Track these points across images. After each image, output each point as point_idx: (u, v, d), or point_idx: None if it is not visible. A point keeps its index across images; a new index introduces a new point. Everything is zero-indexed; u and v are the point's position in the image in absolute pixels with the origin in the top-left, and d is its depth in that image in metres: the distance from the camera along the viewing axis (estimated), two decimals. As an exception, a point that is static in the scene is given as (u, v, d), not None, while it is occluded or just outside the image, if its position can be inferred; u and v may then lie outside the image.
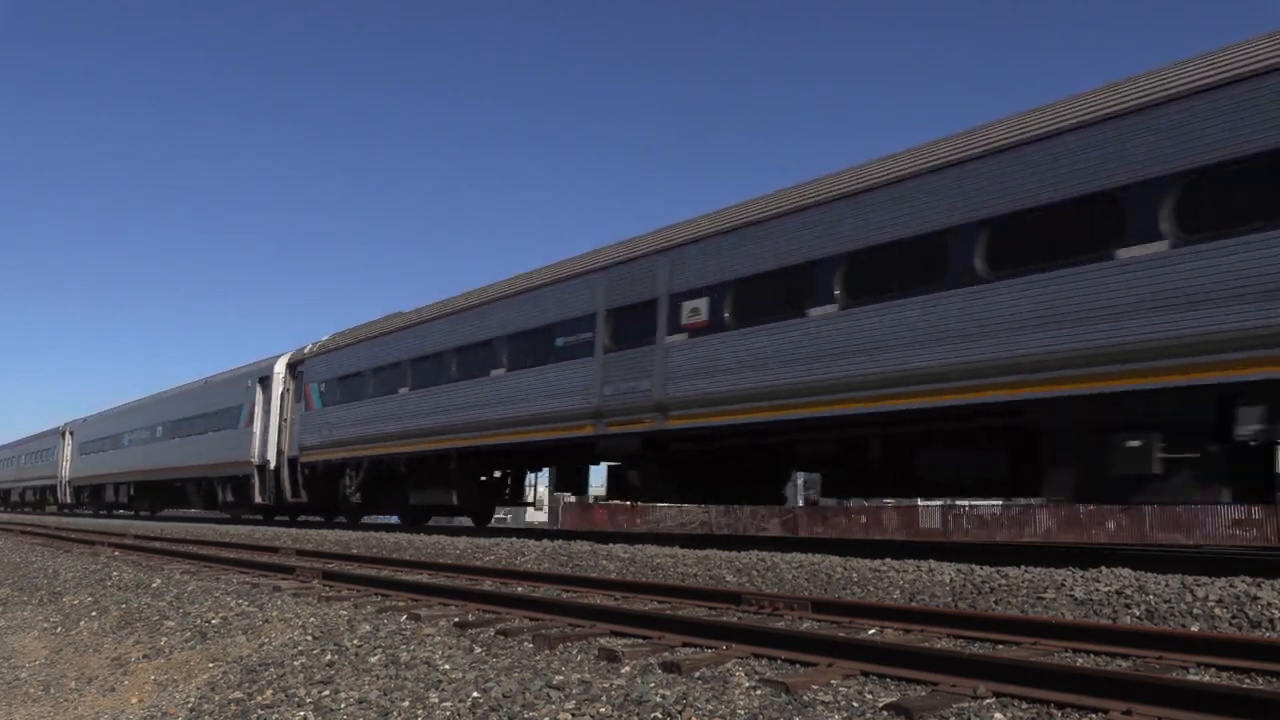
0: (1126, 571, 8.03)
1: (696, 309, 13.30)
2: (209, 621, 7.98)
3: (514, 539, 15.04)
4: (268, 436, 25.10)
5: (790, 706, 4.44)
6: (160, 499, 34.11)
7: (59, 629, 9.42)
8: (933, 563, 9.22)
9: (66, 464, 44.39)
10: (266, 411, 25.31)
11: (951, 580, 8.30)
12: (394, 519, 23.41)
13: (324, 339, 24.40)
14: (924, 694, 4.59)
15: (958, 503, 30.14)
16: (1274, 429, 8.09)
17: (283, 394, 24.90)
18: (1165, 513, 30.48)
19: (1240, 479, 8.67)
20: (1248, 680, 5.02)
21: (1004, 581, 7.99)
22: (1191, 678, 4.98)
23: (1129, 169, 9.12)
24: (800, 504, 23.43)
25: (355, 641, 6.47)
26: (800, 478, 14.66)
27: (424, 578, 10.84)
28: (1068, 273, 9.46)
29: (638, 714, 4.45)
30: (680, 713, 4.40)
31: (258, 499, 25.22)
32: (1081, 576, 7.85)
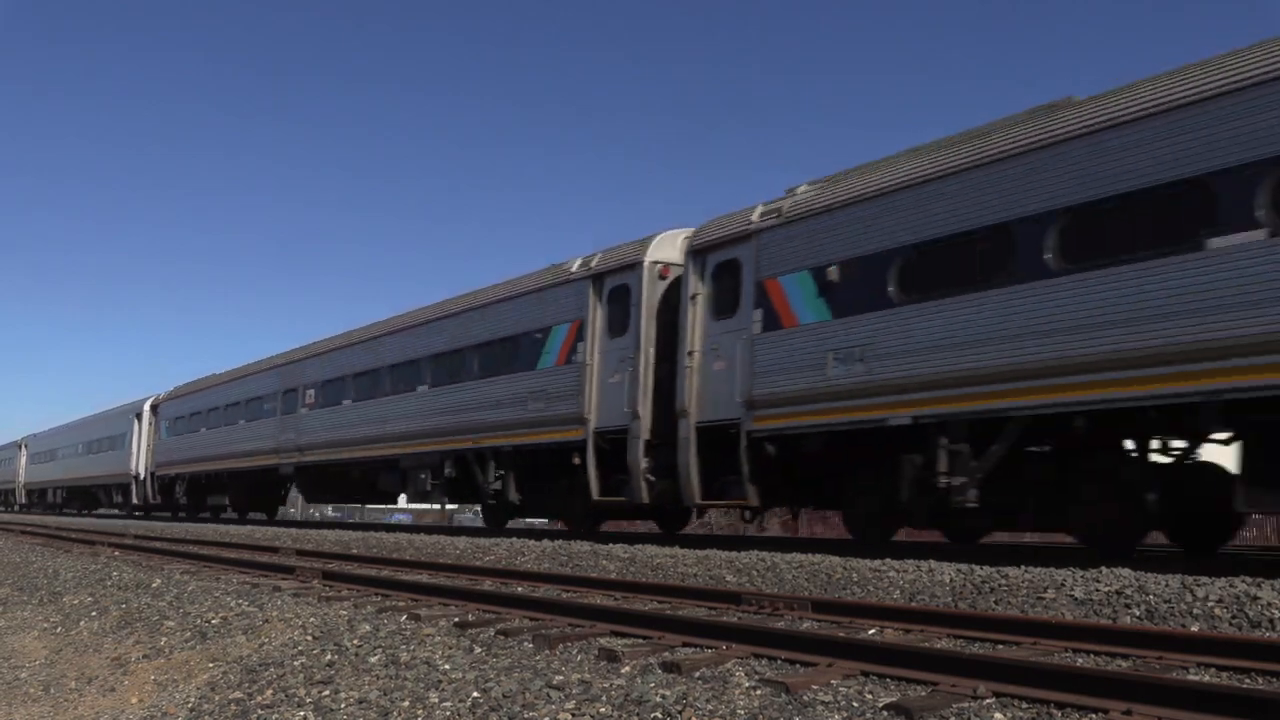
0: (1126, 571, 8.02)
1: (312, 394, 24.05)
2: (209, 621, 7.98)
3: (514, 539, 15.05)
4: (140, 456, 34.86)
5: (790, 706, 4.44)
6: (85, 500, 43.52)
7: (59, 629, 9.42)
8: (933, 563, 9.21)
9: (22, 471, 53.78)
10: (140, 438, 35.02)
11: (951, 580, 8.30)
12: (224, 514, 33.01)
13: (171, 389, 34.44)
14: (924, 694, 4.59)
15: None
16: (455, 473, 18.18)
17: (148, 426, 34.80)
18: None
19: (454, 493, 19.18)
20: (1248, 680, 5.02)
21: (1004, 581, 7.99)
22: (1191, 678, 4.98)
23: (415, 351, 20.11)
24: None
25: (355, 641, 6.47)
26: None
27: (424, 578, 10.84)
28: (398, 397, 20.18)
29: (638, 714, 4.45)
30: (680, 713, 4.40)
31: (134, 500, 35.27)
32: (1081, 576, 7.84)
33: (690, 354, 13.26)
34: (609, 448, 14.51)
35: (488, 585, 9.95)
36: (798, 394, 11.79)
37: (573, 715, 4.53)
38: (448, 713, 4.81)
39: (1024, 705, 4.36)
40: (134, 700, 6.46)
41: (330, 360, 23.32)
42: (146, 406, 34.54)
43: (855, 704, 4.48)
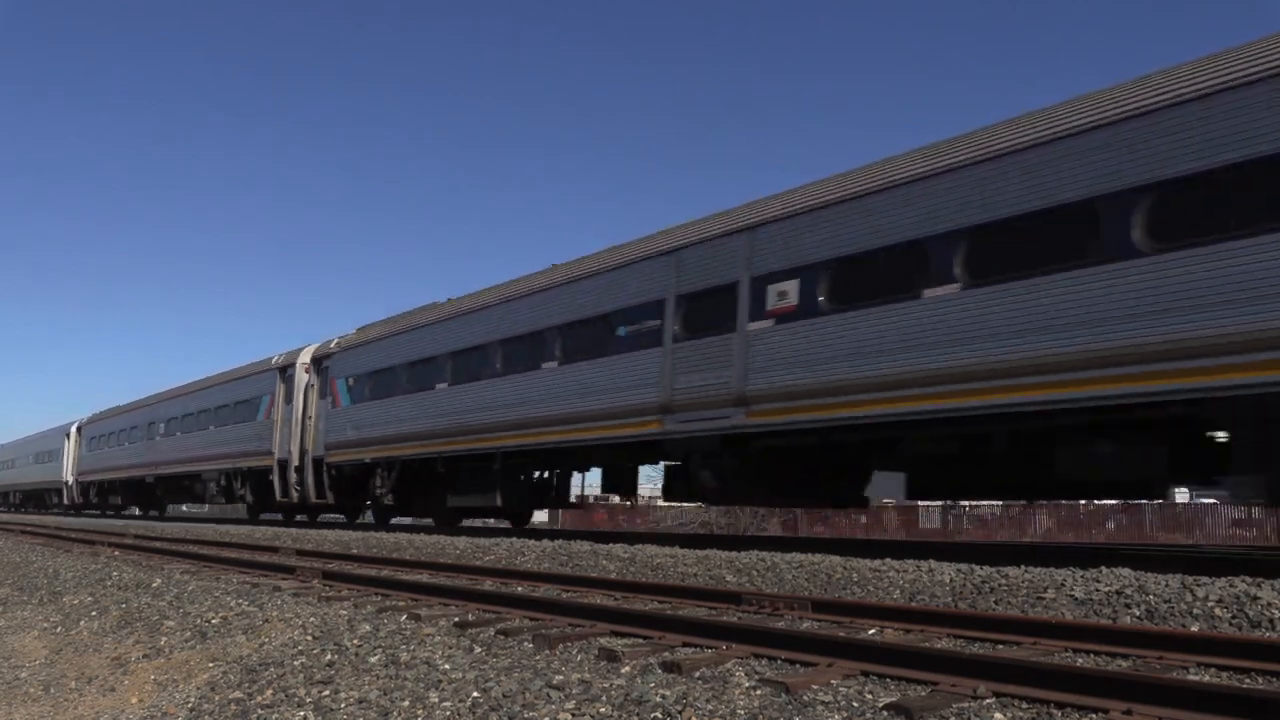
0: (1126, 571, 8.03)
1: (162, 427, 33.36)
2: (209, 621, 7.98)
3: (514, 539, 15.04)
4: (69, 466, 44.87)
5: (790, 706, 4.44)
6: (36, 501, 53.72)
7: (59, 629, 9.42)
8: (933, 563, 9.22)
9: None
10: (68, 452, 45.02)
11: (951, 580, 8.30)
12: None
13: (90, 415, 43.85)
14: (924, 694, 4.59)
15: (959, 503, 30.41)
16: (225, 483, 28.67)
17: (74, 443, 44.52)
18: (1164, 513, 30.52)
19: (227, 498, 29.68)
20: (1248, 680, 5.02)
21: (1004, 581, 7.99)
22: (1191, 678, 4.98)
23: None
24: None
25: (355, 641, 6.47)
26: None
27: (424, 577, 10.84)
28: (199, 433, 30.38)
29: (638, 714, 4.45)
30: (680, 713, 4.40)
31: (65, 501, 45.60)
32: (1081, 576, 7.84)
33: (310, 417, 23.92)
34: (283, 470, 24.89)
35: (488, 585, 9.95)
36: (341, 443, 22.22)
37: (573, 715, 4.53)
38: (448, 713, 4.81)
39: (1024, 705, 4.36)
40: (134, 700, 6.46)
41: (169, 405, 33.57)
42: (74, 428, 44.76)
43: (855, 704, 4.48)
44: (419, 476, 20.10)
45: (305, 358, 24.62)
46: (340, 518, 26.88)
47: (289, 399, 24.75)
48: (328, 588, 9.91)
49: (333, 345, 23.51)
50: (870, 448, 11.99)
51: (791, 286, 11.75)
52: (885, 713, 4.32)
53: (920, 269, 10.47)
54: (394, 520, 24.78)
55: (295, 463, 24.04)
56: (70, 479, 44.28)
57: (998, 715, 4.25)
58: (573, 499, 19.86)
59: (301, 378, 24.46)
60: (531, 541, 13.93)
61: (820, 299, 11.50)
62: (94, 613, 9.64)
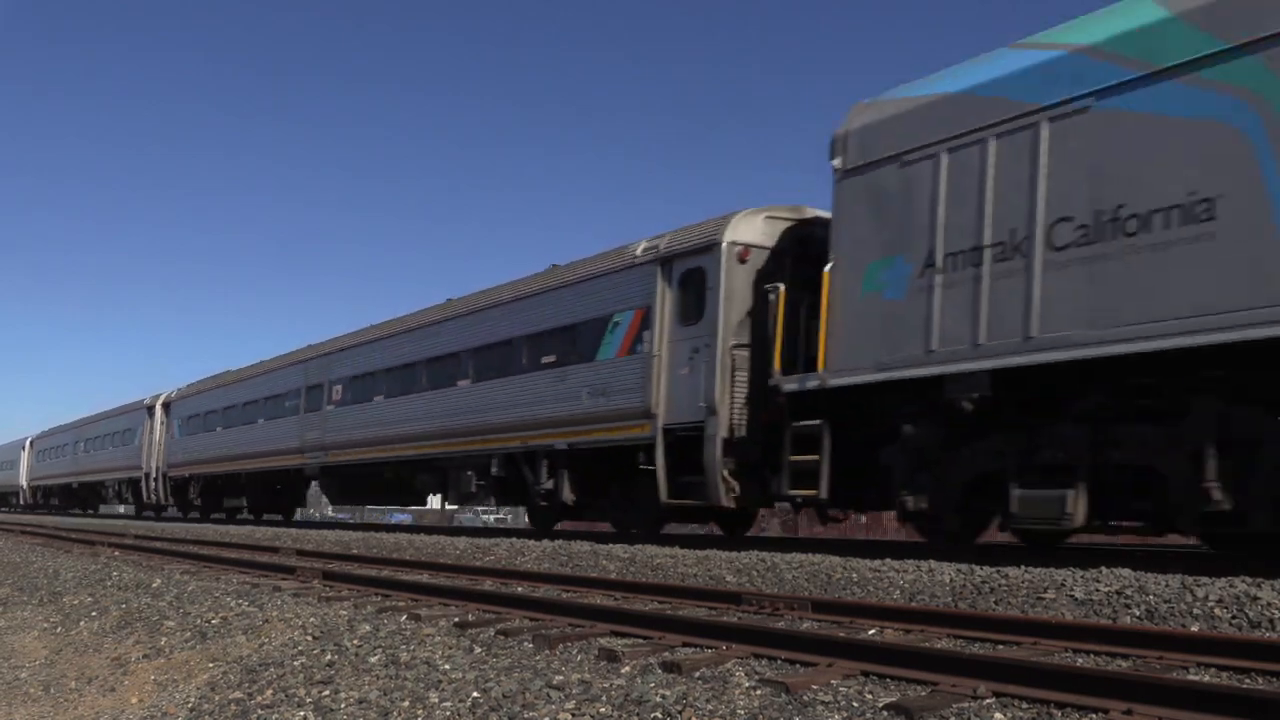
0: (1126, 571, 8.02)
1: (83, 445, 43.29)
2: (209, 621, 7.98)
3: (514, 539, 15.05)
4: (24, 473, 54.25)
5: (790, 706, 4.44)
6: (2, 500, 63.69)
7: (59, 629, 9.42)
8: (933, 563, 9.21)
9: None
10: (24, 461, 54.32)
11: (951, 580, 8.30)
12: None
13: (40, 431, 53.47)
14: (924, 694, 4.59)
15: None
16: (122, 491, 39.71)
17: (28, 453, 54.00)
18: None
19: (120, 499, 41.93)
20: (1248, 680, 5.02)
21: (1004, 581, 7.98)
22: (1191, 678, 4.98)
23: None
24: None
25: (355, 641, 6.47)
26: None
27: (424, 578, 10.83)
28: (101, 450, 40.19)
29: (638, 714, 4.45)
30: (680, 713, 4.40)
31: (21, 502, 55.04)
32: (1081, 576, 7.84)
33: (161, 444, 33.01)
34: (148, 481, 33.86)
35: (488, 585, 9.95)
36: (175, 463, 31.77)
37: (573, 715, 4.53)
38: (448, 713, 4.81)
39: (1024, 705, 4.35)
40: (134, 700, 6.46)
41: (87, 428, 41.79)
42: (28, 441, 54.50)
43: (855, 704, 4.48)
44: (213, 487, 30.62)
45: (161, 400, 33.93)
46: (336, 519, 30.92)
47: (152, 430, 34.05)
48: (328, 588, 9.91)
49: (173, 394, 33.51)
50: (416, 470, 20.35)
51: (339, 388, 22.69)
52: (885, 713, 4.31)
53: (373, 389, 21.09)
54: (212, 515, 32.72)
55: (154, 476, 33.45)
56: (25, 484, 54.82)
57: (998, 715, 4.24)
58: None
59: (159, 414, 33.73)
60: (531, 541, 13.93)
61: (347, 396, 22.43)
62: (94, 613, 9.64)
